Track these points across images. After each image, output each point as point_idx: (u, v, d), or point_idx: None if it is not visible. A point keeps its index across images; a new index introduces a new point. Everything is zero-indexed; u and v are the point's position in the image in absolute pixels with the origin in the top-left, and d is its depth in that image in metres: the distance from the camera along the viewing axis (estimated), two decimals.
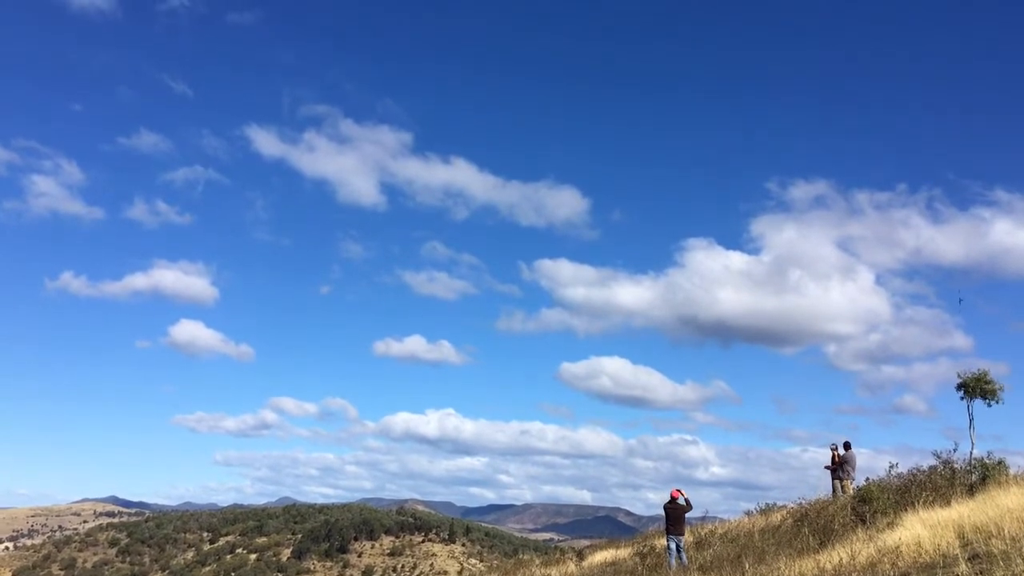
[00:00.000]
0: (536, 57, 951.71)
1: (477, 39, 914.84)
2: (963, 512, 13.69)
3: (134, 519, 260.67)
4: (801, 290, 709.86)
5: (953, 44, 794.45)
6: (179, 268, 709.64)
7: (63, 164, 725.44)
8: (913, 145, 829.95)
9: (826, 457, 25.26)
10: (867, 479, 22.82)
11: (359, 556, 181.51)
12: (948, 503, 15.59)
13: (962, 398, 22.84)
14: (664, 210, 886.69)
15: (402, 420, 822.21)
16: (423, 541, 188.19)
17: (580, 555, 32.61)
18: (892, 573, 9.96)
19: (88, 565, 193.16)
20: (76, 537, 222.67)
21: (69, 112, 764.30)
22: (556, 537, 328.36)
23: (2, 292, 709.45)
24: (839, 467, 24.58)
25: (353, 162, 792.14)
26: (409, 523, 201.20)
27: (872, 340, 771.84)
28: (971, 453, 21.14)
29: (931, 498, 16.86)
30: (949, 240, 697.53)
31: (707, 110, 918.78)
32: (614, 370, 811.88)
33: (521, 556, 45.54)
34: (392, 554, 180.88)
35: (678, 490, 21.85)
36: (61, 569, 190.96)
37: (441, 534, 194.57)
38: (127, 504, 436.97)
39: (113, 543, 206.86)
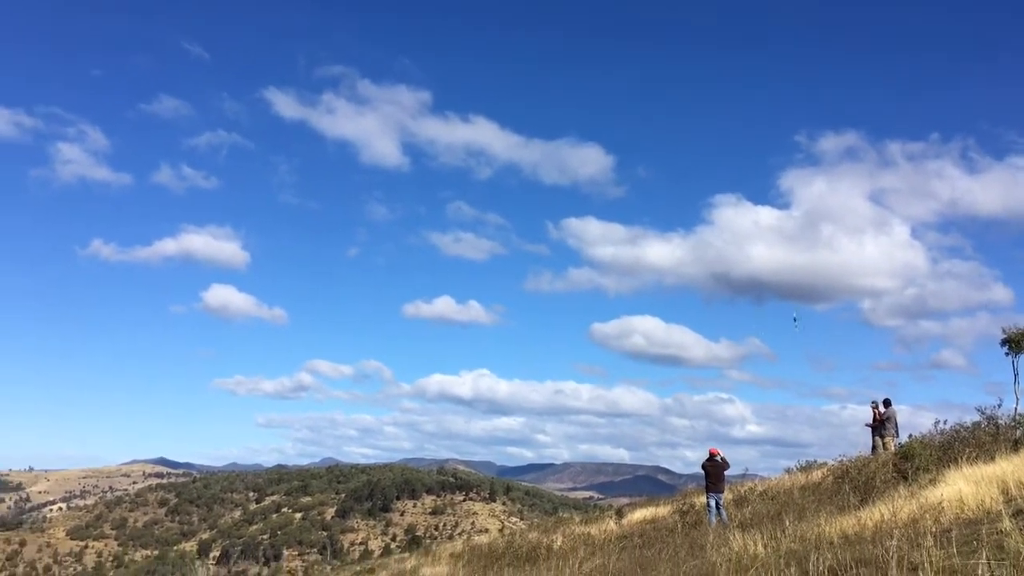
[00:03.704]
0: (554, 11, 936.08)
1: None
2: (1007, 468, 13.53)
3: (182, 480, 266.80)
4: (834, 245, 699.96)
5: None
6: (208, 233, 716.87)
7: (87, 130, 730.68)
8: (945, 93, 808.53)
9: (866, 414, 25.08)
10: (910, 435, 22.66)
11: (401, 515, 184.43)
12: (992, 459, 15.40)
13: (1007, 353, 22.49)
14: (690, 166, 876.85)
15: (436, 381, 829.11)
16: (464, 500, 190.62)
17: (619, 513, 32.82)
18: (934, 529, 9.91)
19: (139, 525, 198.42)
20: (127, 498, 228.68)
21: (89, 78, 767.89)
22: (595, 496, 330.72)
23: (36, 261, 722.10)
24: (880, 424, 24.39)
25: (373, 123, 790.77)
26: (450, 483, 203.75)
27: (908, 295, 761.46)
28: (1016, 409, 20.89)
29: (974, 454, 16.68)
30: (985, 190, 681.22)
31: (732, 61, 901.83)
32: (646, 329, 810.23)
33: (561, 514, 45.98)
34: (434, 513, 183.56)
35: (715, 449, 21.94)
36: (113, 529, 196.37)
37: (482, 493, 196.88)
38: (175, 465, 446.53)
39: (162, 503, 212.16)
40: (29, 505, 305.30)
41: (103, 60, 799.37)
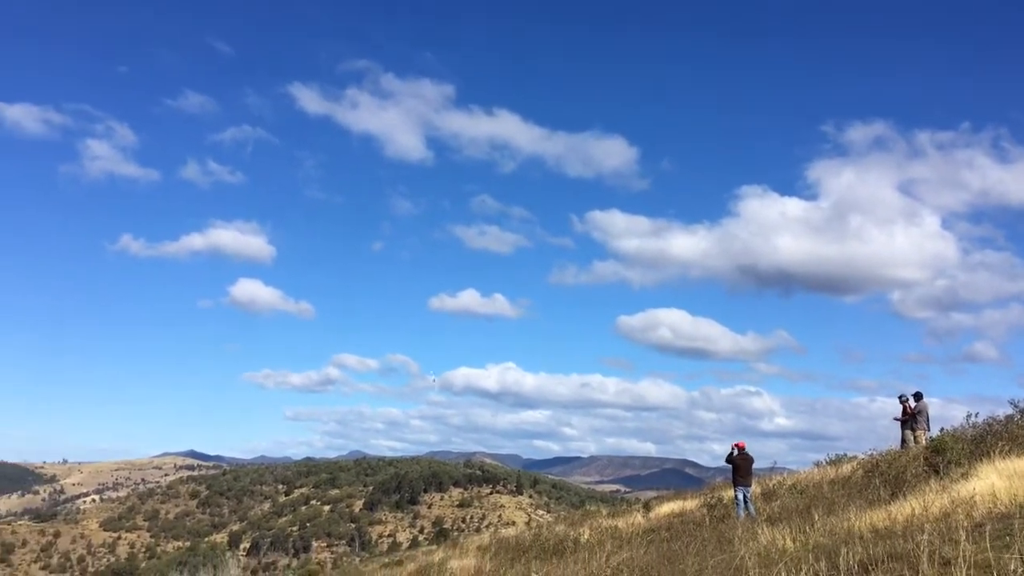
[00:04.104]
0: (576, 3, 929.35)
1: None
2: None
3: (212, 472, 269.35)
4: (863, 236, 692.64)
5: None
6: (234, 228, 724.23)
7: (115, 127, 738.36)
8: (975, 81, 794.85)
9: (895, 408, 24.79)
10: (941, 429, 22.40)
11: (429, 507, 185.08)
12: None
13: None
14: (714, 157, 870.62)
15: (462, 375, 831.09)
16: (491, 493, 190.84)
17: (647, 507, 32.73)
18: (966, 524, 9.79)
19: (170, 516, 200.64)
20: (158, 490, 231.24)
21: (116, 75, 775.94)
22: (622, 489, 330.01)
23: (66, 256, 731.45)
24: (911, 418, 24.09)
25: (397, 117, 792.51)
26: (477, 475, 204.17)
27: (939, 286, 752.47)
28: None
29: (1007, 448, 16.46)
30: (1017, 180, 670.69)
31: (757, 51, 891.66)
32: (672, 322, 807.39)
33: (588, 507, 45.91)
34: (461, 505, 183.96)
35: (742, 442, 21.84)
36: (145, 520, 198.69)
37: (508, 486, 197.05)
38: (205, 458, 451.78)
39: (193, 495, 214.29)
40: (63, 497, 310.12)
41: (129, 57, 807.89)
